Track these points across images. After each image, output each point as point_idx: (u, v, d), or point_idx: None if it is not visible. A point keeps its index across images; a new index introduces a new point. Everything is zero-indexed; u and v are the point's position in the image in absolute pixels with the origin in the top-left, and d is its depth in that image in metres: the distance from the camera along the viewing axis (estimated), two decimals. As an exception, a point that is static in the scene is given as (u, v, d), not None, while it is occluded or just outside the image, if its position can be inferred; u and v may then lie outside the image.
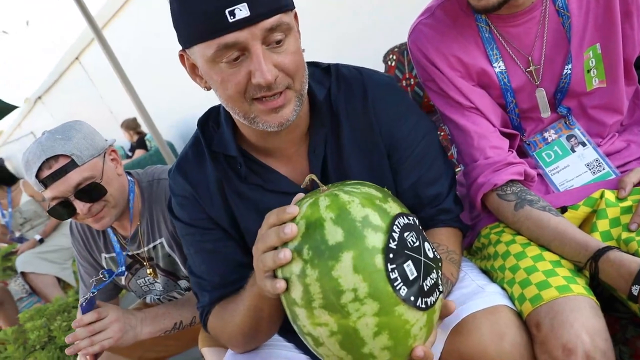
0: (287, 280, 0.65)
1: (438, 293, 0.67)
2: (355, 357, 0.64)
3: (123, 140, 7.32)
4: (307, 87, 0.87)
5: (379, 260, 0.61)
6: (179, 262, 1.41)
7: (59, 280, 3.34)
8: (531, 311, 0.82)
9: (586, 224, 0.96)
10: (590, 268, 0.83)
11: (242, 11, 0.72)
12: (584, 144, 1.05)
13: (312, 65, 1.00)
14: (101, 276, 1.35)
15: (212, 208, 0.98)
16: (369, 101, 0.94)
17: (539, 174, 1.07)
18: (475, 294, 0.90)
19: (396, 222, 0.64)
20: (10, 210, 3.30)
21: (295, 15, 0.84)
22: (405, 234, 0.64)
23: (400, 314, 0.62)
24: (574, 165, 1.05)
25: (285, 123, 0.84)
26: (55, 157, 1.23)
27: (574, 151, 1.05)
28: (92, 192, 1.27)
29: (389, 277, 0.61)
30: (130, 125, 6.15)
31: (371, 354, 0.63)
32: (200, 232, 1.00)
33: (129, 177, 1.44)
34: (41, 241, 3.27)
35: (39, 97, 10.70)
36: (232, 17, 0.72)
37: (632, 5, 0.91)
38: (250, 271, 0.80)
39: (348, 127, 0.94)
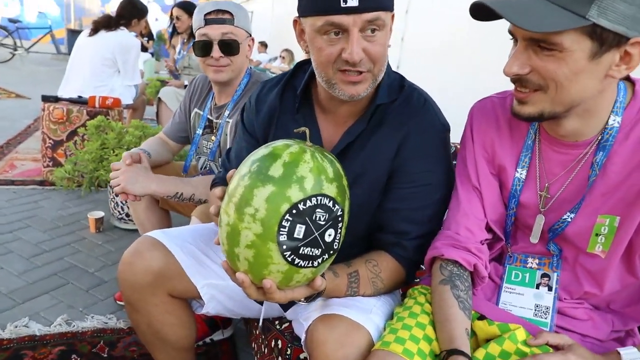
0: (234, 176, 0.83)
1: (310, 264, 0.81)
2: (229, 250, 0.83)
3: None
4: (382, 75, 1.06)
5: (284, 207, 0.77)
6: (228, 144, 1.75)
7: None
8: (374, 349, 0.93)
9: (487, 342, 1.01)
10: (442, 358, 0.90)
11: (352, 1, 0.92)
12: (550, 289, 1.06)
13: (399, 77, 1.17)
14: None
15: (257, 122, 1.24)
16: (406, 127, 1.09)
17: (494, 282, 1.11)
18: (361, 309, 1.03)
19: (318, 197, 0.78)
20: (184, 53, 3.97)
21: (393, 17, 1.03)
22: (318, 210, 0.78)
23: (269, 248, 0.78)
24: (526, 298, 1.07)
25: (356, 96, 1.04)
26: (223, 11, 1.68)
27: (537, 288, 1.07)
28: (230, 46, 1.69)
29: (281, 221, 0.77)
30: None
31: (238, 256, 0.82)
32: (244, 130, 1.29)
33: (249, 68, 1.85)
34: (185, 87, 3.92)
35: (274, -10, 11.89)
36: (344, 3, 0.92)
37: None
38: None
39: (381, 135, 1.10)
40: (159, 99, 3.91)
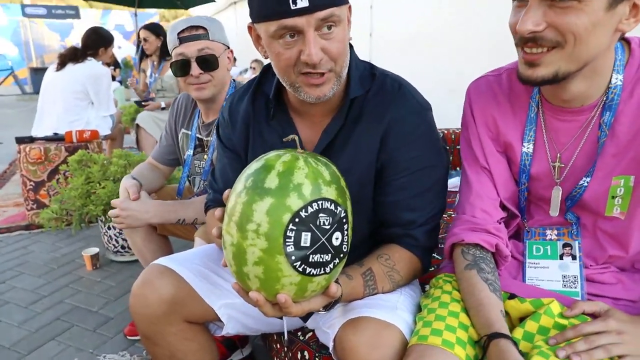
0: (231, 194, 0.82)
1: (322, 271, 0.79)
2: (238, 270, 0.80)
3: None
4: (346, 70, 1.02)
5: (286, 217, 0.75)
6: None
7: (159, 146, 3.94)
8: (412, 345, 0.91)
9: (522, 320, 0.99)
10: (483, 344, 0.88)
11: (302, 1, 0.88)
12: (574, 258, 1.04)
13: (368, 65, 1.13)
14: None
15: (235, 135, 1.20)
16: (388, 115, 1.05)
17: (517, 259, 1.10)
18: (387, 307, 1.00)
19: (319, 202, 0.76)
20: (157, 75, 3.90)
21: (350, 8, 0.99)
22: (320, 215, 0.76)
23: (278, 262, 0.76)
24: (552, 270, 1.05)
25: (322, 97, 1.00)
26: (197, 27, 1.62)
27: (561, 259, 1.06)
28: (208, 61, 1.63)
29: (285, 232, 0.75)
30: None
31: (247, 275, 0.79)
32: (223, 147, 1.24)
33: (232, 81, 1.80)
34: (163, 109, 3.85)
35: (235, 2, 11.87)
36: (294, 5, 0.89)
37: None
38: None
39: (363, 128, 1.07)
40: (137, 125, 3.83)
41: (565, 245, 1.06)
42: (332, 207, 0.78)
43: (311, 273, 0.78)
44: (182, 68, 1.64)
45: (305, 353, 1.27)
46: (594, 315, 0.92)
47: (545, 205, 1.08)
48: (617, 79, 0.92)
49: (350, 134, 1.08)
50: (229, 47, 1.74)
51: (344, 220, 0.80)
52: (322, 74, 0.97)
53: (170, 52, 1.70)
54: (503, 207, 1.09)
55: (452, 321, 0.94)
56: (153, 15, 16.25)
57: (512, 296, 1.02)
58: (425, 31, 4.39)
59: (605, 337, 0.85)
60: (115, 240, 2.69)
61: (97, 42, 3.57)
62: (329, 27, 0.93)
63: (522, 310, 0.99)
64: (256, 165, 0.81)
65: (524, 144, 1.04)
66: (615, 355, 0.83)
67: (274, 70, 1.04)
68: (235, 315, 1.23)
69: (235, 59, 11.41)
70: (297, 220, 0.75)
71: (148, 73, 3.98)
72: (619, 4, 0.81)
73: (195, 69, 1.62)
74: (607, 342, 0.84)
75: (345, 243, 0.82)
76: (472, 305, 0.95)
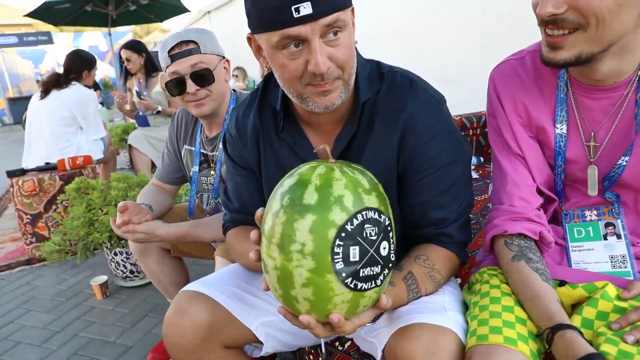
0: (266, 215, 0.77)
1: (374, 284, 0.75)
2: (285, 294, 0.75)
3: (258, 77, 7.90)
4: (354, 76, 0.98)
5: (332, 232, 0.70)
6: None
7: (153, 165, 3.86)
8: (472, 346, 0.87)
9: (578, 306, 0.96)
10: (547, 337, 0.85)
11: (305, 9, 0.83)
12: (619, 237, 1.02)
13: (374, 64, 1.08)
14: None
15: (246, 150, 1.15)
16: (404, 114, 1.01)
17: (559, 244, 1.07)
18: (436, 310, 0.97)
19: (363, 212, 0.72)
20: (145, 93, 3.82)
21: (352, 11, 0.94)
22: (366, 226, 0.72)
23: (328, 281, 0.71)
24: (598, 251, 1.03)
25: (330, 106, 0.96)
26: (187, 42, 1.55)
27: (605, 239, 1.03)
28: (203, 76, 1.56)
29: (332, 249, 0.70)
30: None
31: (296, 298, 0.74)
32: (234, 165, 1.19)
33: (233, 92, 1.73)
34: (158, 112, 3.76)
35: (209, 12, 11.80)
36: (297, 13, 0.83)
37: None
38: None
39: (378, 131, 1.03)
40: (130, 145, 3.75)
41: (607, 225, 1.04)
42: (377, 216, 0.74)
43: (363, 288, 0.74)
44: (177, 86, 1.57)
45: (347, 363, 1.23)
46: None
47: (581, 186, 1.05)
48: None
49: (365, 140, 1.04)
50: (224, 57, 1.67)
51: (389, 228, 0.77)
52: (330, 82, 0.92)
53: (164, 71, 1.63)
54: (539, 192, 1.07)
55: (508, 316, 0.90)
56: (126, 33, 16.05)
57: (562, 283, 0.99)
58: (411, 24, 4.39)
59: None
60: (124, 265, 2.62)
61: (79, 65, 3.49)
62: (335, 33, 0.88)
63: (575, 296, 0.96)
64: (290, 181, 0.76)
65: (556, 125, 1.01)
66: None
67: (279, 82, 0.99)
68: (273, 333, 1.18)
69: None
70: (343, 234, 0.71)
71: (134, 92, 3.90)
72: None
73: (191, 86, 1.55)
74: None
75: (392, 252, 0.78)
76: (528, 298, 0.92)
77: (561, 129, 1.01)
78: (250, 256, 0.84)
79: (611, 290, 0.92)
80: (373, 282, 0.75)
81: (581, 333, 0.82)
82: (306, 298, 0.74)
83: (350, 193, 0.73)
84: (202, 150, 1.77)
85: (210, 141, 1.74)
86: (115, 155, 4.00)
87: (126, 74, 3.88)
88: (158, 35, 21.68)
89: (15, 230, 3.90)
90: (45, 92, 3.38)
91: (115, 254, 2.62)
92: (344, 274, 0.72)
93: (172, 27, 15.86)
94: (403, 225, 1.10)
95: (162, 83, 3.84)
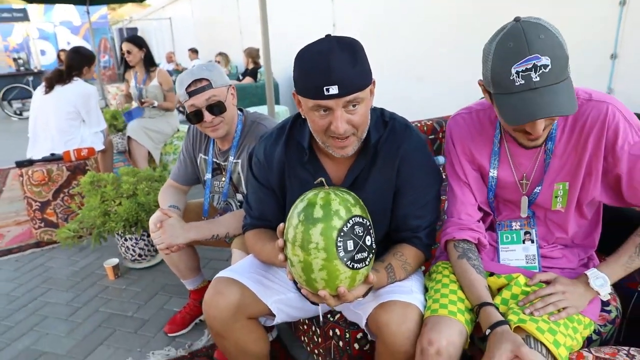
0: (288, 228, 1.14)
1: (364, 264, 1.13)
2: (307, 278, 1.14)
3: (241, 62, 8.07)
4: (366, 133, 1.36)
5: (334, 233, 1.08)
6: (242, 181, 2.02)
7: (150, 156, 4.16)
8: (427, 317, 1.29)
9: (500, 290, 1.39)
10: (476, 311, 1.28)
11: (333, 89, 1.18)
12: (532, 241, 1.46)
13: (379, 112, 1.47)
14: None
15: (272, 176, 1.53)
16: (400, 151, 1.41)
17: (493, 245, 1.51)
18: (405, 292, 1.38)
19: (352, 218, 1.09)
20: (141, 86, 4.08)
21: (374, 83, 1.29)
22: (356, 227, 1.10)
23: (335, 265, 1.10)
24: (517, 252, 1.47)
25: (345, 155, 1.34)
26: (200, 79, 1.88)
27: (524, 243, 1.47)
28: (216, 107, 1.91)
29: (336, 244, 1.08)
30: (252, 54, 6.82)
31: (315, 279, 1.13)
32: (258, 184, 1.57)
33: (239, 113, 2.08)
34: (154, 106, 4.04)
35: (189, -7, 11.67)
36: (327, 92, 1.18)
37: (593, 169, 1.29)
38: (280, 220, 1.30)
39: (380, 163, 1.42)
40: (129, 137, 4.02)
41: (526, 233, 1.47)
42: (361, 220, 1.12)
43: (357, 267, 1.12)
44: (196, 117, 1.92)
45: (337, 330, 1.64)
46: (548, 282, 1.33)
47: (511, 205, 1.48)
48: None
49: (370, 169, 1.42)
50: (230, 85, 2.00)
51: (370, 227, 1.15)
52: (347, 138, 1.29)
53: (182, 103, 1.95)
54: (479, 208, 1.49)
55: (452, 297, 1.33)
56: (102, 6, 15.68)
57: (491, 274, 1.43)
58: (390, 21, 4.70)
59: (554, 297, 1.26)
60: (133, 249, 2.96)
61: (80, 61, 3.72)
62: (354, 106, 1.24)
63: (498, 283, 1.40)
64: (302, 204, 1.14)
65: (490, 169, 1.42)
66: (561, 307, 1.24)
67: (311, 129, 1.35)
68: (284, 308, 1.58)
69: (197, 52, 11.28)
70: (342, 234, 1.08)
71: (132, 84, 4.15)
72: None
73: (207, 116, 1.90)
74: (556, 300, 1.25)
75: (374, 242, 1.17)
76: (465, 285, 1.34)
77: (493, 173, 1.42)
78: (279, 258, 1.22)
79: (521, 279, 1.35)
80: (363, 262, 1.13)
81: (497, 308, 1.26)
82: (322, 278, 1.12)
83: (343, 207, 1.10)
84: (215, 160, 2.12)
85: (222, 153, 2.09)
86: (112, 144, 4.26)
87: (125, 65, 4.12)
88: (133, 9, 21.11)
89: (16, 214, 4.15)
90: (49, 87, 3.61)
91: (126, 240, 2.95)
92: (345, 259, 1.09)
93: (153, 2, 15.45)
94: (388, 228, 1.50)
95: (159, 77, 4.10)
